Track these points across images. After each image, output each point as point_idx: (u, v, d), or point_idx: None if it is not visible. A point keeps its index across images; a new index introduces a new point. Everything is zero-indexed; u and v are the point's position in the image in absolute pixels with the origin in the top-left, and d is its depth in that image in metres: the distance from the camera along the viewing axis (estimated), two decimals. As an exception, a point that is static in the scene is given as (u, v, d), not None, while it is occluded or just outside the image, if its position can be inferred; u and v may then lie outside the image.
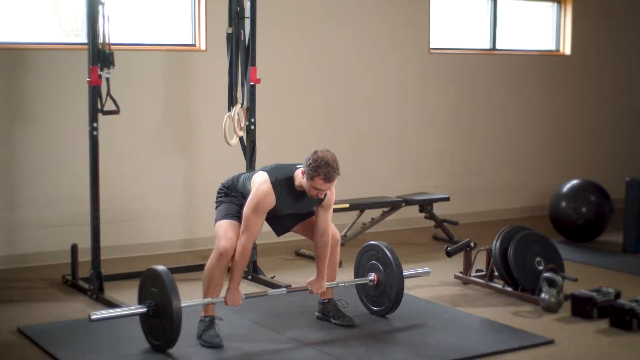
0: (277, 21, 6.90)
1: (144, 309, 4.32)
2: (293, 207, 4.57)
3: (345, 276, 5.93)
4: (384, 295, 4.89)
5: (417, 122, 7.88)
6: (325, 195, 4.52)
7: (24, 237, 6.15)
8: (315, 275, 4.71)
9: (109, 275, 5.59)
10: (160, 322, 4.27)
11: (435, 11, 7.93)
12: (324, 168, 4.32)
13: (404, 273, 4.87)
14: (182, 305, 4.22)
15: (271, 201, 4.41)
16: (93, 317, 4.26)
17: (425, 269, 5.36)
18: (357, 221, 6.93)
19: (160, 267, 4.33)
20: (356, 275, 5.09)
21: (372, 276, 4.94)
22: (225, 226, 4.50)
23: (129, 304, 5.04)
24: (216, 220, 4.57)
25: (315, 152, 4.38)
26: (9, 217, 6.10)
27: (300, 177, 4.43)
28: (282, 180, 4.45)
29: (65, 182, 6.23)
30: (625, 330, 4.77)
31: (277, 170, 4.49)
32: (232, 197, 4.60)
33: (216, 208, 4.64)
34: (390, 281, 4.84)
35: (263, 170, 4.52)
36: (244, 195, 4.52)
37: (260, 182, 4.43)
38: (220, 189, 4.69)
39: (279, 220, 4.72)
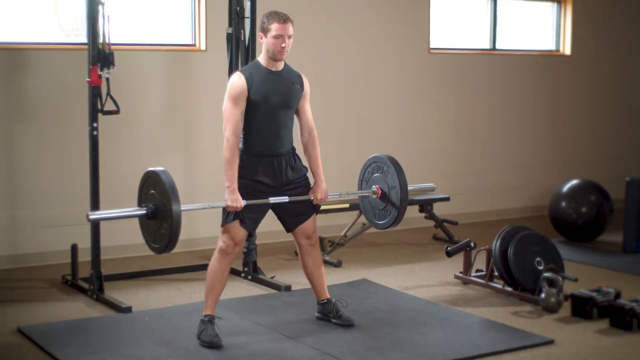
0: (277, 21, 6.89)
1: (143, 211, 4.24)
2: (276, 91, 4.50)
3: (345, 276, 5.94)
4: (389, 206, 4.79)
5: (417, 122, 7.89)
6: (303, 80, 4.60)
7: (24, 237, 6.15)
8: (314, 182, 4.67)
9: (109, 275, 5.60)
10: (160, 224, 4.18)
11: (435, 11, 7.93)
12: (274, 14, 4.49)
13: (408, 187, 4.77)
14: (182, 209, 4.13)
15: (242, 84, 4.45)
16: (91, 217, 4.22)
17: (430, 185, 5.30)
18: (357, 221, 6.93)
19: (159, 169, 4.26)
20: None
21: (375, 188, 4.85)
22: (229, 226, 4.50)
23: (128, 304, 5.05)
24: (223, 220, 4.52)
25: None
26: (9, 217, 6.10)
27: (263, 51, 4.54)
28: (249, 66, 4.60)
29: (65, 182, 6.23)
30: (625, 330, 4.77)
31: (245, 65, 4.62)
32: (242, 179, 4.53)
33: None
34: (394, 191, 4.73)
35: None
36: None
37: (231, 77, 4.56)
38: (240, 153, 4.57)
39: (288, 210, 4.62)
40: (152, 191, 4.24)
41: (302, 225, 4.68)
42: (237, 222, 4.49)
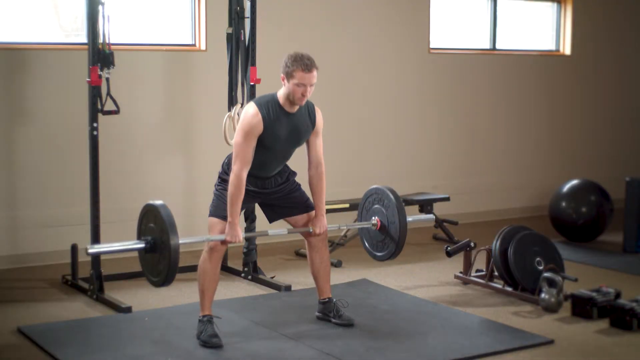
0: (277, 21, 6.90)
1: (142, 245, 4.24)
2: (288, 131, 4.47)
3: (345, 276, 5.94)
4: (388, 239, 4.81)
5: (417, 122, 7.89)
6: (316, 117, 4.53)
7: (24, 237, 6.15)
8: (315, 214, 4.67)
9: (109, 275, 5.60)
10: (159, 258, 4.19)
11: (435, 11, 7.93)
12: (300, 60, 4.36)
13: (407, 218, 4.78)
14: (181, 242, 4.15)
15: (258, 122, 4.37)
16: (90, 250, 4.23)
17: (429, 216, 5.29)
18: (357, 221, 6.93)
19: (158, 202, 4.25)
20: (360, 221, 5.00)
21: (375, 219, 4.86)
22: (216, 223, 4.51)
23: (128, 304, 5.05)
24: (210, 215, 4.57)
25: (288, 53, 4.43)
26: (9, 217, 6.10)
27: (283, 92, 4.44)
28: (267, 102, 4.45)
29: (65, 182, 6.23)
30: (625, 330, 4.77)
31: (261, 97, 4.52)
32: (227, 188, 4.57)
33: (214, 192, 4.61)
34: (393, 225, 4.75)
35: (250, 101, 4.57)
36: None
37: (246, 109, 4.45)
38: (219, 172, 4.64)
39: (274, 203, 4.68)
40: (151, 225, 4.26)
41: (306, 218, 4.71)
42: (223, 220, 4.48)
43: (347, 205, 6.66)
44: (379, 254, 4.90)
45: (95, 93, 5.23)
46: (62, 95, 6.18)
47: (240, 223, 4.60)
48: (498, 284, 5.57)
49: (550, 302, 5.12)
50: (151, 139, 6.58)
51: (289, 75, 4.37)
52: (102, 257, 5.38)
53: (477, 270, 5.85)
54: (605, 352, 4.49)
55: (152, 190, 6.57)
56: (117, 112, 5.34)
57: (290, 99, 4.42)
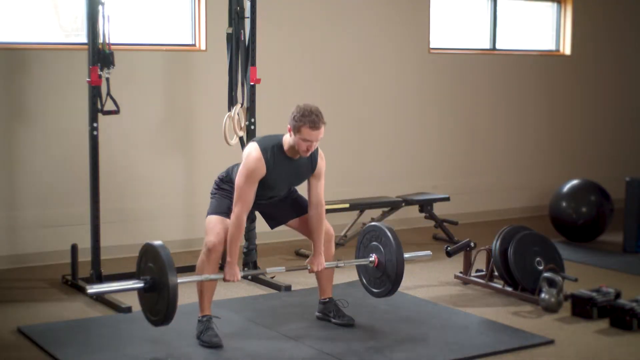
0: (277, 21, 6.90)
1: (141, 284, 4.27)
2: (288, 176, 4.52)
3: (345, 276, 5.93)
4: (384, 276, 4.82)
5: (417, 122, 7.89)
6: (318, 161, 4.54)
7: (24, 237, 6.15)
8: (313, 252, 4.69)
9: (109, 275, 5.59)
10: (158, 298, 4.21)
11: (435, 11, 7.93)
12: (308, 116, 4.33)
13: (404, 255, 4.81)
14: (179, 281, 4.17)
15: (261, 167, 4.40)
16: (90, 291, 4.24)
17: (426, 252, 5.32)
18: (357, 221, 6.93)
19: (157, 243, 4.28)
20: (358, 257, 5.01)
21: (373, 257, 4.88)
22: (214, 222, 4.51)
23: (128, 304, 5.05)
24: (207, 214, 4.58)
25: (297, 105, 4.41)
26: (9, 217, 6.10)
27: (288, 139, 4.43)
28: (272, 147, 4.45)
29: (65, 182, 6.23)
30: (625, 330, 4.77)
31: (265, 139, 4.51)
32: (225, 190, 4.59)
33: (211, 198, 4.66)
34: (390, 263, 4.78)
35: (252, 141, 4.55)
36: None
37: (249, 151, 4.44)
38: (215, 181, 4.70)
39: (273, 211, 4.71)
40: (150, 264, 4.28)
41: (304, 220, 4.71)
42: (221, 218, 4.50)
43: (347, 205, 6.66)
44: (376, 290, 4.94)
45: (95, 93, 5.23)
46: (62, 95, 6.18)
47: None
48: (498, 284, 5.57)
49: (550, 302, 5.12)
50: (151, 139, 6.58)
51: (295, 129, 4.36)
52: (102, 257, 5.38)
53: (477, 270, 5.85)
54: (605, 352, 4.49)
55: (152, 190, 6.59)
56: (117, 112, 5.34)
57: (295, 149, 4.44)
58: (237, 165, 4.66)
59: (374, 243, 4.90)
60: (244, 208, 4.39)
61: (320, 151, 4.59)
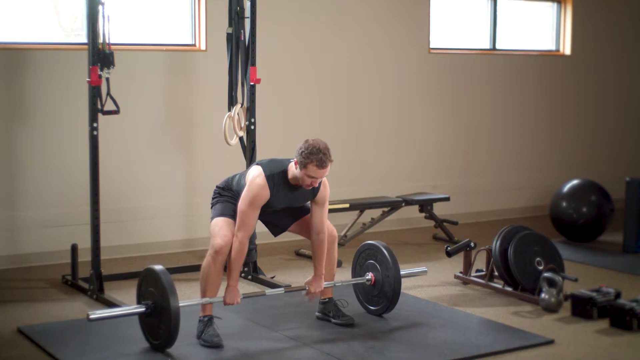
0: (277, 21, 6.90)
1: (142, 309, 4.32)
2: (287, 202, 4.57)
3: (345, 277, 5.93)
4: (381, 294, 4.89)
5: (417, 122, 7.89)
6: (319, 189, 4.54)
7: (24, 237, 6.15)
8: (313, 274, 4.71)
9: (109, 275, 5.60)
10: (159, 322, 4.27)
11: (435, 11, 7.93)
12: (316, 155, 4.34)
13: (401, 272, 4.87)
14: (180, 304, 4.22)
15: (265, 195, 4.41)
16: (91, 316, 4.27)
17: (422, 269, 5.35)
18: (357, 221, 6.94)
19: (158, 267, 4.33)
20: (354, 275, 5.09)
21: (370, 275, 4.93)
22: (220, 224, 4.51)
23: (128, 304, 5.05)
24: (212, 219, 4.59)
25: (307, 140, 4.41)
26: (9, 217, 6.10)
27: (293, 169, 4.45)
28: (276, 174, 4.46)
29: (65, 182, 6.23)
30: (625, 330, 4.77)
31: (271, 164, 4.51)
32: (227, 197, 4.61)
33: (212, 208, 4.67)
34: (387, 280, 4.84)
35: (257, 164, 4.55)
36: (239, 193, 4.53)
37: (254, 176, 4.45)
38: (215, 190, 4.71)
39: (274, 220, 4.73)
40: (151, 289, 4.32)
41: (305, 222, 4.71)
42: (227, 220, 4.50)
43: (347, 205, 6.66)
44: (373, 308, 4.97)
45: (95, 93, 5.22)
46: (62, 95, 6.18)
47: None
48: (498, 284, 5.57)
49: (550, 302, 5.12)
50: (151, 139, 6.58)
51: (302, 165, 4.37)
52: (102, 257, 5.38)
53: (477, 270, 5.85)
54: (605, 352, 4.49)
55: (152, 190, 6.58)
56: (117, 112, 5.34)
57: (299, 182, 4.45)
58: (236, 175, 4.67)
59: (370, 261, 4.95)
60: (246, 233, 4.42)
61: (324, 179, 4.56)
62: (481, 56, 8.27)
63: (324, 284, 4.73)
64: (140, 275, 4.45)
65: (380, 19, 7.57)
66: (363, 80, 7.54)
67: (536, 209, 8.41)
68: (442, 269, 6.16)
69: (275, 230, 4.81)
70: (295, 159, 4.42)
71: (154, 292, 4.30)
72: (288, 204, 4.61)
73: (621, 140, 9.23)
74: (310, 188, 4.48)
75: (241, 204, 4.42)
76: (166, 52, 6.62)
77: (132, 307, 4.42)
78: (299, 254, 6.61)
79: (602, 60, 8.99)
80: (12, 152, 6.09)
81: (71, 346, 4.41)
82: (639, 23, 9.22)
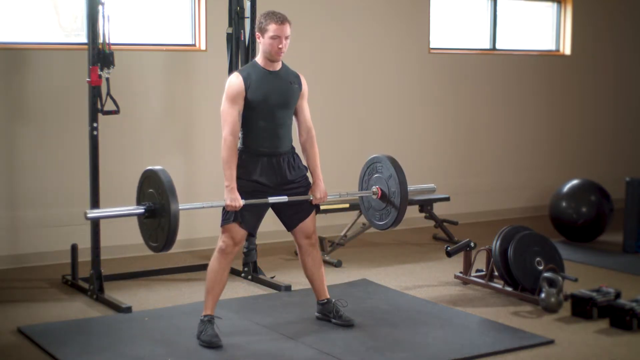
0: (277, 21, 6.89)
1: (141, 210, 4.25)
2: (274, 92, 4.51)
3: (345, 276, 5.94)
4: (389, 207, 4.78)
5: (417, 122, 7.89)
6: (302, 85, 4.61)
7: (24, 237, 6.15)
8: (313, 180, 4.66)
9: (109, 275, 5.60)
10: (158, 223, 4.19)
11: (435, 11, 7.93)
12: (272, 14, 4.49)
13: (409, 187, 4.76)
14: (180, 207, 4.13)
15: (239, 84, 4.46)
16: (89, 215, 4.23)
17: (431, 185, 5.29)
18: (357, 221, 6.93)
19: (158, 168, 4.27)
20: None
21: (376, 188, 4.84)
22: (228, 225, 4.49)
23: (128, 304, 5.05)
24: (222, 223, 4.53)
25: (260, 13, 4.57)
26: (9, 217, 6.10)
27: (260, 53, 4.54)
28: (247, 66, 4.61)
29: (65, 182, 6.23)
30: (625, 330, 4.77)
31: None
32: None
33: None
34: (394, 191, 4.73)
35: None
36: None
37: (228, 78, 4.56)
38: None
39: (283, 212, 4.65)
40: (151, 190, 4.25)
41: (302, 224, 4.68)
42: (236, 222, 4.49)
43: (347, 206, 6.66)
44: (380, 222, 4.88)
45: (95, 93, 5.23)
46: (62, 95, 6.19)
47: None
48: (498, 284, 5.57)
49: (550, 302, 5.12)
50: (151, 139, 6.58)
51: (263, 31, 4.49)
52: (102, 257, 5.38)
53: (477, 270, 5.85)
54: (605, 352, 4.49)
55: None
56: (117, 112, 5.34)
57: (267, 56, 4.52)
58: None
59: (377, 175, 4.84)
60: (231, 129, 4.42)
61: (301, 75, 4.67)
62: (481, 56, 8.27)
63: (329, 196, 4.66)
64: (141, 177, 4.35)
65: (380, 19, 7.57)
66: (363, 80, 7.54)
67: (536, 209, 8.41)
68: (442, 269, 6.16)
69: (290, 223, 4.72)
70: (257, 34, 4.52)
71: (153, 192, 4.21)
72: (278, 95, 4.54)
73: (621, 140, 9.23)
74: (281, 56, 4.50)
75: (222, 103, 4.48)
76: (166, 52, 6.62)
77: (130, 208, 4.34)
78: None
79: (602, 60, 8.99)
80: (12, 152, 6.09)
81: (71, 346, 4.41)
82: (639, 23, 9.22)
